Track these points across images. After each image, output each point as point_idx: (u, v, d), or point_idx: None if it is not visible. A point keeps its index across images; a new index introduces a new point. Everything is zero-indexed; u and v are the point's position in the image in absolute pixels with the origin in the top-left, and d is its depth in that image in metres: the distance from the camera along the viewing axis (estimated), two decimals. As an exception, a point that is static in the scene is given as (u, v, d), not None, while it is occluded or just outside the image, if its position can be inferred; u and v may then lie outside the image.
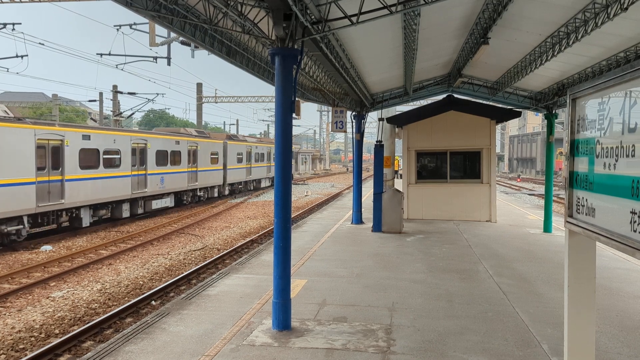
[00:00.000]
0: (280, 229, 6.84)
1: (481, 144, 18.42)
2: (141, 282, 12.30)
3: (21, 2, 17.15)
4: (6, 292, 11.16)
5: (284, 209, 6.83)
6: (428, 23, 10.29)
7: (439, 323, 7.28)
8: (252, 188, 38.78)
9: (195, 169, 27.87)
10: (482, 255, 12.19)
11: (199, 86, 49.63)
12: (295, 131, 77.35)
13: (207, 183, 29.81)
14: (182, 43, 17.70)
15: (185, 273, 12.62)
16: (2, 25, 16.78)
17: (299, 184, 49.92)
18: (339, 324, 7.17)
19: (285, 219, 6.84)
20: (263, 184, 41.40)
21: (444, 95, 18.85)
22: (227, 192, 33.04)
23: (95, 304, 10.58)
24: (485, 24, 10.71)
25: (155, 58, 22.64)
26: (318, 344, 6.43)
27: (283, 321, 6.86)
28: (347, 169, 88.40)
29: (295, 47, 6.97)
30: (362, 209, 18.25)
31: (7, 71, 20.48)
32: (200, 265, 13.37)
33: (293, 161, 72.27)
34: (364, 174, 54.48)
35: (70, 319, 9.65)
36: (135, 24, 19.20)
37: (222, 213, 25.78)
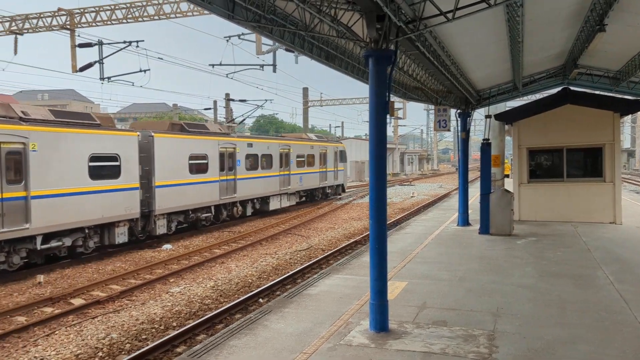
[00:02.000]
0: (375, 231, 6.85)
1: (603, 139, 16.98)
2: (250, 281, 12.91)
3: (143, 20, 18.89)
4: (132, 286, 12.28)
5: (379, 210, 6.83)
6: (534, 13, 9.73)
7: (548, 331, 6.85)
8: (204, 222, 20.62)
9: (19, 196, 12.99)
10: (603, 260, 11.24)
11: (305, 90, 50.97)
12: (401, 131, 76.59)
13: (62, 221, 14.13)
14: (286, 50, 18.33)
15: (290, 272, 13.04)
16: (127, 43, 18.61)
17: (404, 184, 49.35)
18: (438, 328, 7.01)
19: (380, 221, 6.83)
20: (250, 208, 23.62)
21: (559, 89, 17.63)
22: (159, 232, 17.76)
23: (208, 300, 11.28)
24: (601, 10, 9.89)
25: (262, 66, 23.67)
26: (415, 347, 6.35)
27: (380, 323, 6.86)
28: (457, 169, 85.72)
29: (390, 47, 6.95)
30: (470, 211, 17.64)
31: (133, 85, 22.63)
32: (305, 265, 13.74)
33: (397, 162, 71.24)
34: (474, 174, 52.51)
35: (186, 313, 10.38)
36: (243, 34, 20.30)
37: (328, 214, 26.23)
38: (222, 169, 20.98)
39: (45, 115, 14.32)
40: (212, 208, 20.59)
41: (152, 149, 17.37)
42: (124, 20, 18.86)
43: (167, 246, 17.53)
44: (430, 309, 7.91)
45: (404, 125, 78.42)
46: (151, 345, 8.37)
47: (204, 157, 19.95)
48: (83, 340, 8.82)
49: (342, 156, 34.04)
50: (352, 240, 17.55)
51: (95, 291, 12.18)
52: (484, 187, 16.03)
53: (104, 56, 18.90)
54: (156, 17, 18.76)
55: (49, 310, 10.81)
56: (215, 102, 37.58)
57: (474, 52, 12.59)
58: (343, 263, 11.45)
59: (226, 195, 21.25)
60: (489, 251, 12.52)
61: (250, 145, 23.13)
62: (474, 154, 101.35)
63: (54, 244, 14.05)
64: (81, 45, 19.02)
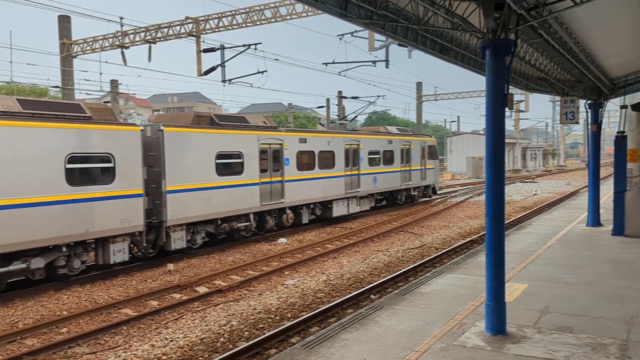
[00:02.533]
0: (492, 229, 6.55)
1: None
2: (361, 276, 12.99)
3: (261, 24, 19.77)
4: (250, 277, 12.92)
5: (496, 208, 6.52)
6: (679, -11, 8.65)
7: (694, 346, 6.09)
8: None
9: None
10: None
11: (419, 85, 50.09)
12: (523, 124, 72.37)
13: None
14: (399, 45, 18.16)
15: (402, 270, 12.92)
16: (246, 46, 19.62)
17: (526, 182, 46.60)
18: (562, 334, 6.54)
19: (497, 219, 6.52)
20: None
21: None
22: (175, 246, 14.72)
23: (321, 294, 11.53)
24: None
25: (374, 62, 23.63)
26: (536, 352, 5.98)
27: (497, 325, 6.55)
28: (586, 165, 79.10)
29: (510, 37, 6.59)
30: (601, 210, 16.22)
31: (251, 86, 23.80)
32: (418, 263, 13.53)
33: (519, 157, 67.31)
34: (607, 170, 48.19)
35: (300, 306, 10.71)
36: (355, 31, 20.46)
37: (442, 212, 25.58)
38: (264, 169, 17.55)
39: (9, 106, 11.75)
40: (252, 216, 17.25)
41: (161, 147, 14.21)
42: (244, 25, 19.89)
43: (282, 240, 18.20)
44: (553, 313, 7.41)
45: (527, 119, 73.84)
46: (267, 334, 8.74)
47: (238, 155, 16.53)
48: (207, 325, 9.44)
49: (432, 152, 29.03)
50: (467, 240, 16.95)
51: (218, 280, 12.98)
52: (618, 184, 14.65)
53: (225, 60, 20.10)
54: (273, 20, 19.54)
55: (177, 296, 11.72)
56: (327, 99, 38.37)
57: (606, 37, 11.51)
58: (458, 262, 11.10)
59: (270, 200, 17.86)
60: (623, 254, 11.42)
61: (303, 140, 19.37)
62: (607, 148, 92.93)
63: (15, 266, 11.36)
64: (205, 51, 20.39)
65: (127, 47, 22.59)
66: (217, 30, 20.58)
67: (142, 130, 13.79)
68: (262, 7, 19.66)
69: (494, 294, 6.58)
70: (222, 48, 19.76)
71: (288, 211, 18.93)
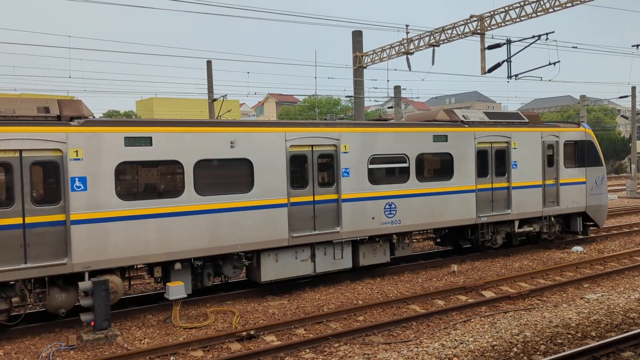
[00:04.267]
0: None
1: None
2: (689, 299, 10.68)
3: (554, 11, 18.05)
4: (542, 287, 11.91)
5: None
6: None
7: None
8: None
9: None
10: None
11: None
12: None
13: None
14: None
15: None
16: (536, 37, 18.17)
17: None
18: None
19: None
20: None
21: None
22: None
23: (634, 314, 9.88)
24: None
25: None
26: None
27: None
28: None
29: None
30: None
31: (540, 80, 21.97)
32: None
33: None
34: None
35: (607, 324, 9.37)
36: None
37: None
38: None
39: None
40: None
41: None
42: (533, 15, 18.45)
43: (577, 248, 16.34)
44: None
45: None
46: (569, 352, 7.89)
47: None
48: (497, 332, 9.01)
49: (579, 153, 16.57)
50: None
51: (504, 286, 12.35)
52: None
53: (511, 54, 19.04)
54: (569, 4, 17.61)
55: (463, 298, 11.56)
56: (633, 88, 32.93)
57: None
58: None
59: (21, 261, 9.08)
60: None
61: (139, 141, 10.19)
62: None
63: None
64: (490, 47, 19.64)
65: (412, 53, 23.42)
66: (502, 24, 19.64)
67: None
68: (555, -8, 17.92)
69: None
70: (508, 42, 18.75)
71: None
